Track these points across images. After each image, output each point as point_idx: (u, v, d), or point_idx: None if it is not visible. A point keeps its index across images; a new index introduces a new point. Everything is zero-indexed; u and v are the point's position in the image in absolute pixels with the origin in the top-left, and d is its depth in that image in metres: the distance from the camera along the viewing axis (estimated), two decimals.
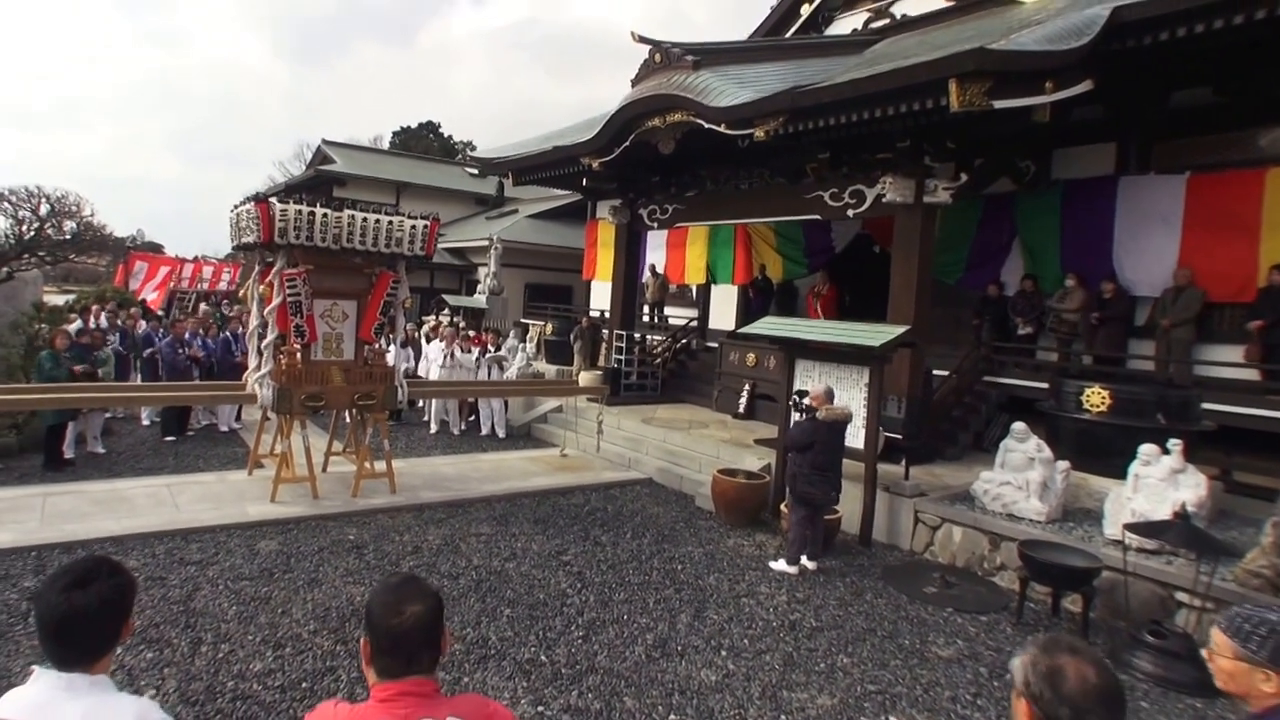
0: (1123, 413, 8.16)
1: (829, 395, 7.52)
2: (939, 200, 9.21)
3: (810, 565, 7.17)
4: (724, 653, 5.40)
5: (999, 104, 7.15)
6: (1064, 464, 7.59)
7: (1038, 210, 10.69)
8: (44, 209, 16.08)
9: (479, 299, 20.18)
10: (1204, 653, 2.16)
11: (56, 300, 15.38)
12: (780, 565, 7.18)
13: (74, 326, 10.85)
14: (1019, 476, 7.50)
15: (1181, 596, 5.95)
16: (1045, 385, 9.71)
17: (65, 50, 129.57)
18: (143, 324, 13.61)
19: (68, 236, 16.69)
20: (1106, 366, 9.78)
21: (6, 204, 15.33)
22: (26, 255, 15.62)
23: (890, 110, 7.97)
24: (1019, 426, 7.84)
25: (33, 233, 15.70)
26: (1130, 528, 6.07)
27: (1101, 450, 8.07)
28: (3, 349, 9.89)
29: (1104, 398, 8.30)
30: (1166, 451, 6.80)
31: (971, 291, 11.59)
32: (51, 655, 1.76)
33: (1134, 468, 6.90)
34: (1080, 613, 6.10)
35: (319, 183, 28.42)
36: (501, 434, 12.96)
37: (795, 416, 7.85)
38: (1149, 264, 9.64)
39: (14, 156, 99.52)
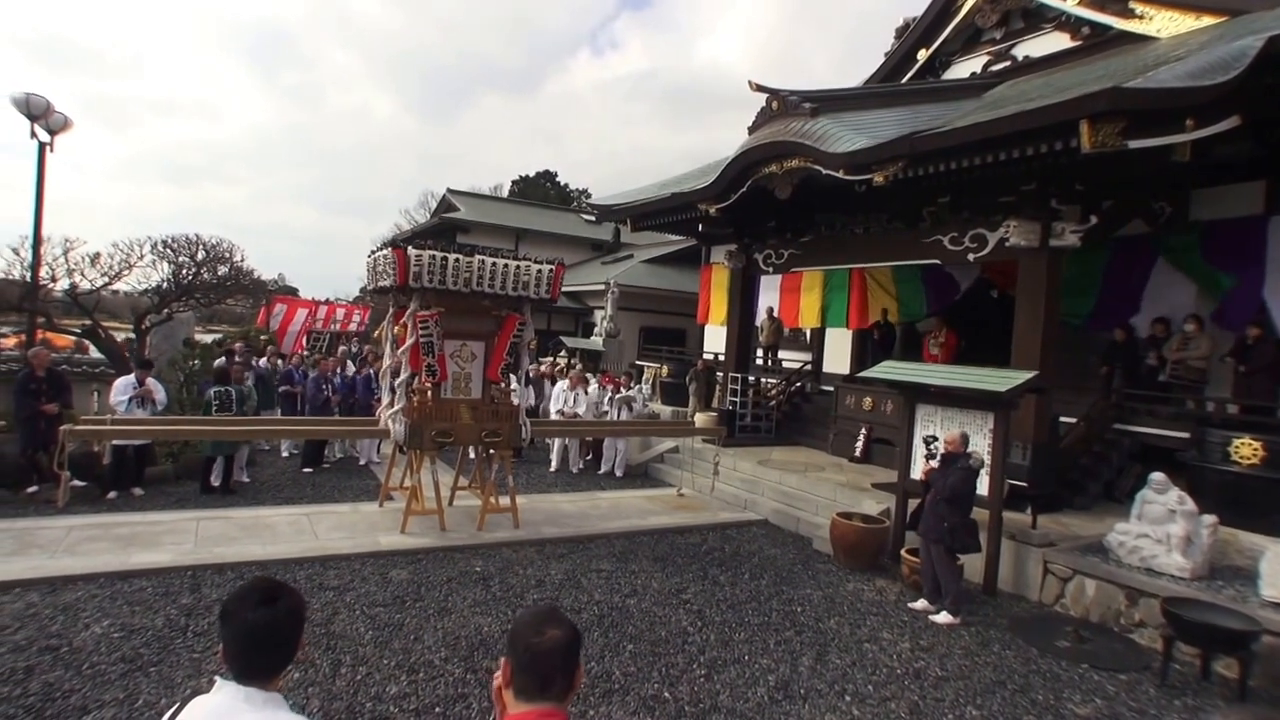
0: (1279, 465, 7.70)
1: (965, 441, 7.36)
2: (1066, 244, 8.94)
3: (951, 619, 6.99)
4: (848, 698, 5.34)
5: (1134, 144, 6.91)
6: (1210, 518, 7.18)
7: (1175, 252, 10.25)
8: (200, 255, 17.51)
9: (596, 341, 20.57)
10: None
11: (204, 339, 16.43)
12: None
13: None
14: (1158, 529, 7.16)
15: None
16: (1183, 434, 9.21)
17: (211, 110, 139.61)
18: (280, 361, 14.44)
19: (220, 280, 18.06)
20: (1256, 416, 9.14)
21: (169, 251, 16.74)
22: (184, 298, 16.97)
23: (1015, 153, 7.83)
24: (1158, 477, 7.49)
25: (190, 277, 17.06)
26: None
27: (1253, 505, 7.65)
28: (165, 384, 10.66)
29: (1256, 449, 7.87)
30: None
31: (1098, 336, 11.15)
32: (237, 668, 1.85)
33: None
34: (1237, 679, 5.71)
35: (443, 229, 29.55)
36: (619, 473, 13.14)
37: (924, 464, 7.67)
38: None
39: (169, 209, 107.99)
